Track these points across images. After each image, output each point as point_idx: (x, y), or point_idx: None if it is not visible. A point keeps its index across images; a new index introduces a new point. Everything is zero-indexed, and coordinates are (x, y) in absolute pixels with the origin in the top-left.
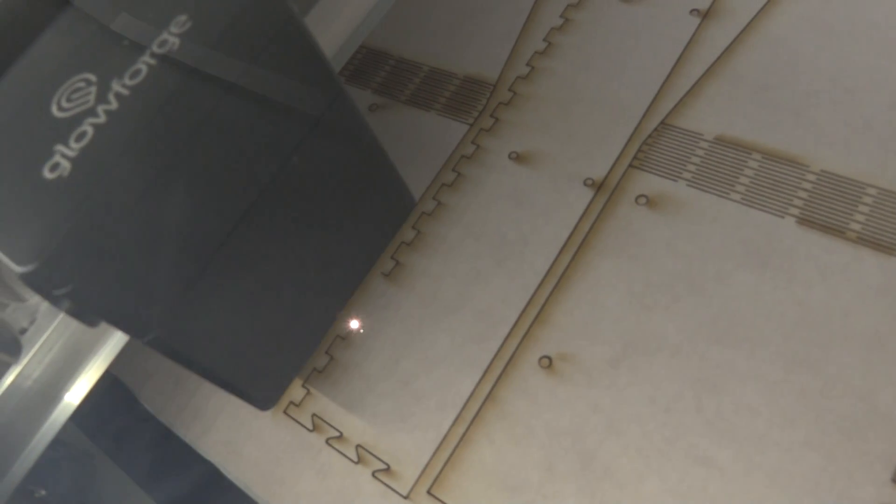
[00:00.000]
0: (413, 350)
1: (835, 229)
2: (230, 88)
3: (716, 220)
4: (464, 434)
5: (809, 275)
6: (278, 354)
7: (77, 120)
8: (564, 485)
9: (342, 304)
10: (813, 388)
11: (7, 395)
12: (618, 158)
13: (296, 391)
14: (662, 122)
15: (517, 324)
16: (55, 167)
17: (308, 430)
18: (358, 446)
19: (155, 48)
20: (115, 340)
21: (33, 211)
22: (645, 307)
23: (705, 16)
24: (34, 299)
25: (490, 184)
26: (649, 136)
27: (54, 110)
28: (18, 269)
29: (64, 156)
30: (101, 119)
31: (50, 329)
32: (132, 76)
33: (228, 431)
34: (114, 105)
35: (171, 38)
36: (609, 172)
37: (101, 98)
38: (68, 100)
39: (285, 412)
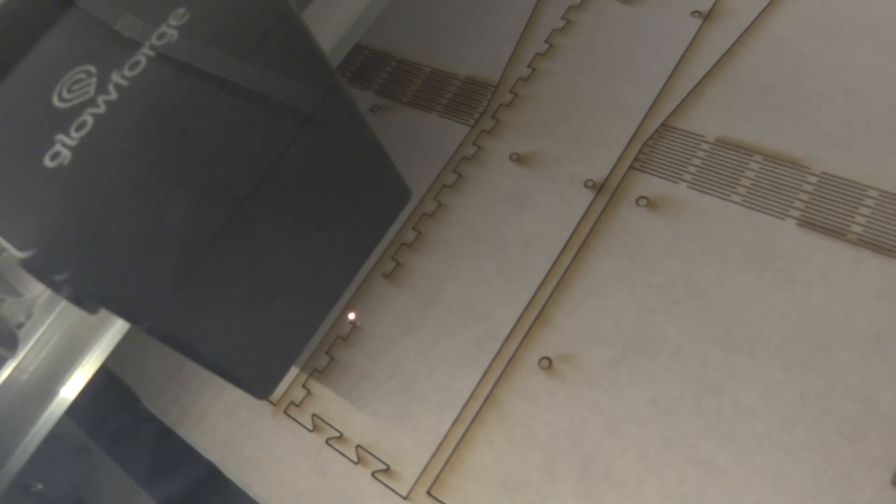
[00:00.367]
0: (413, 351)
1: (836, 231)
2: (228, 79)
3: (716, 221)
4: (463, 435)
5: (810, 277)
6: (275, 343)
7: (77, 110)
8: (564, 486)
9: (339, 294)
10: (813, 390)
11: (4, 389)
12: (619, 160)
13: (296, 391)
14: (663, 124)
15: (517, 325)
16: (56, 156)
17: (308, 430)
18: (358, 447)
19: (154, 40)
20: (112, 335)
21: (34, 198)
22: (645, 308)
23: (706, 17)
24: (31, 294)
25: (491, 185)
26: (650, 137)
27: (55, 101)
28: (19, 254)
29: (64, 145)
30: (101, 109)
31: (46, 323)
32: (131, 67)
33: (229, 431)
34: (113, 95)
35: (169, 30)
36: (610, 174)
37: (101, 89)
38: (69, 91)
39: (285, 412)
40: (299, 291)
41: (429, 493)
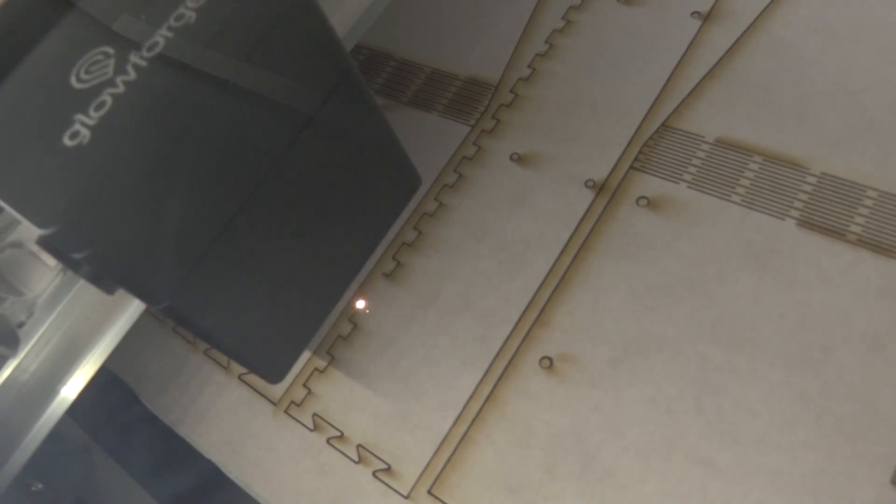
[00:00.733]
0: (414, 350)
1: (835, 231)
2: (245, 60)
3: (716, 222)
4: (464, 434)
5: (810, 277)
6: (288, 326)
7: (96, 91)
8: (565, 485)
9: (350, 279)
10: (813, 390)
11: (4, 388)
12: (619, 160)
13: (297, 390)
14: (663, 124)
15: (518, 324)
16: (75, 135)
17: (309, 429)
18: (359, 446)
19: (172, 22)
20: (112, 335)
21: (54, 177)
22: (646, 308)
23: (706, 18)
24: (32, 293)
25: (491, 185)
26: (650, 137)
27: (73, 82)
28: (39, 231)
29: (84, 124)
30: (120, 89)
31: (47, 323)
32: (150, 49)
33: (229, 430)
34: (132, 76)
35: (188, 12)
36: (610, 174)
37: (120, 70)
38: (87, 72)
39: (286, 412)
40: (313, 275)
41: (430, 492)
